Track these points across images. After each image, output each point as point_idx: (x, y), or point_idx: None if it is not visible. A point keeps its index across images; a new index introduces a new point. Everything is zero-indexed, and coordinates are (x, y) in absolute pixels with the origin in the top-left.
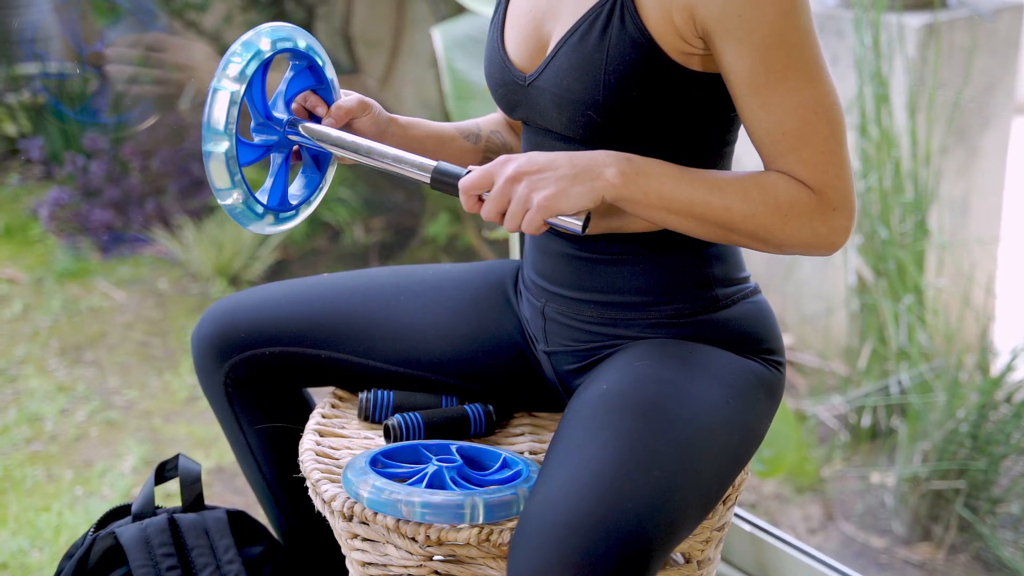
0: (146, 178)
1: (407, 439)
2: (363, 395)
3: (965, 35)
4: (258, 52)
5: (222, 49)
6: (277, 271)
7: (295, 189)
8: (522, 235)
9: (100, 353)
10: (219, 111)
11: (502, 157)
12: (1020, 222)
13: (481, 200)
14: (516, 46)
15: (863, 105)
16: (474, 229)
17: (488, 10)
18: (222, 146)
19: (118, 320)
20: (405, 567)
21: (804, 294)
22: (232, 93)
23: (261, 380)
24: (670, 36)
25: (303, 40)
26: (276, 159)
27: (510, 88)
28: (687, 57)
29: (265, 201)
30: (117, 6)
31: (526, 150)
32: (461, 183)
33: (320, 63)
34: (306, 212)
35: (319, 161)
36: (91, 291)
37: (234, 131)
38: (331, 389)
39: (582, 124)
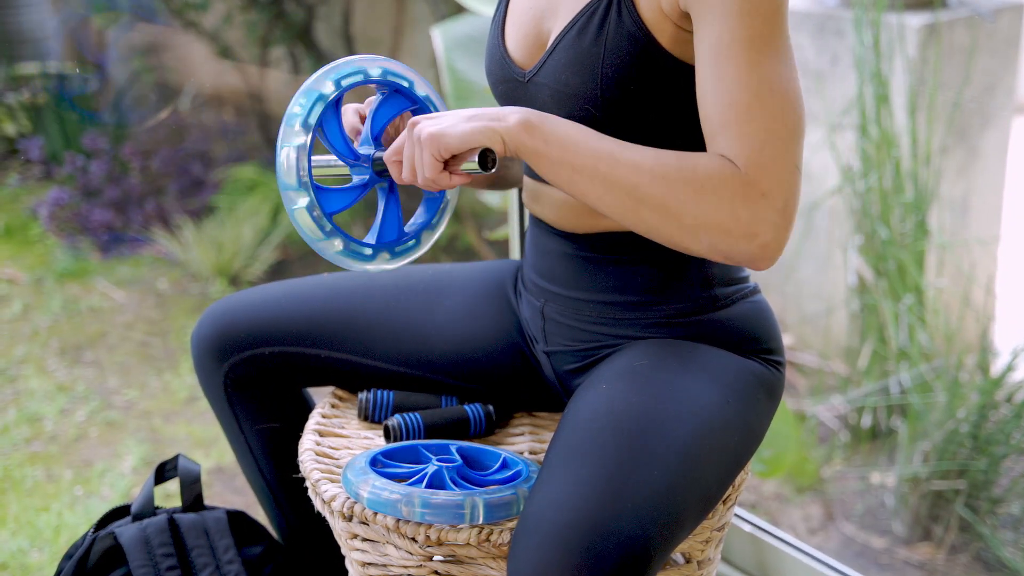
0: (146, 178)
1: (407, 439)
2: (363, 395)
3: (965, 35)
4: (320, 96)
5: (222, 49)
6: (277, 271)
7: (417, 216)
8: (522, 235)
9: (100, 353)
10: (287, 168)
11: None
12: (1020, 222)
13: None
14: (516, 43)
15: (863, 105)
16: (474, 229)
17: (488, 10)
18: (302, 201)
19: (118, 320)
20: (405, 567)
21: (804, 294)
22: (297, 148)
23: (261, 380)
24: (664, 24)
25: (376, 67)
26: (381, 194)
27: (510, 85)
28: (683, 48)
29: (374, 240)
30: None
31: None
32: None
33: (406, 84)
34: (431, 238)
35: None
36: (91, 291)
37: (309, 182)
38: (331, 389)
39: (581, 119)
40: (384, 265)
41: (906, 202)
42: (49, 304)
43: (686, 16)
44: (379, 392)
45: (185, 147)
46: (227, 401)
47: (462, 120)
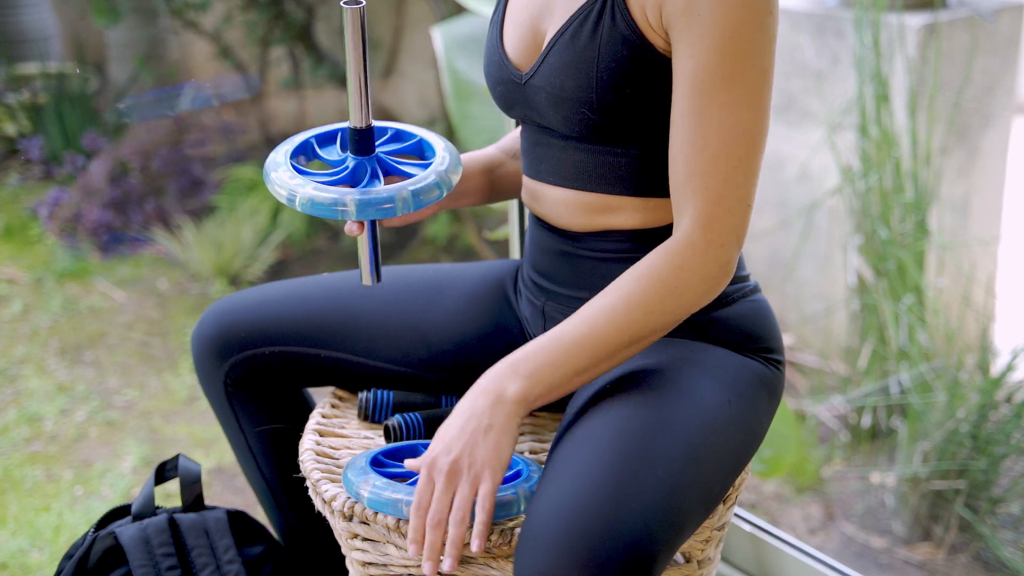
0: (146, 178)
1: (407, 439)
2: (363, 395)
3: (965, 35)
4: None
5: (222, 49)
6: (277, 271)
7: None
8: (522, 235)
9: (100, 353)
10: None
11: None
12: (1020, 222)
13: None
14: (514, 44)
15: (863, 105)
16: (474, 229)
17: (488, 10)
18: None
19: (118, 320)
20: (405, 567)
21: (804, 294)
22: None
23: (261, 379)
24: (653, 32)
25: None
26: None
27: (507, 87)
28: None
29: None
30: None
31: (527, 149)
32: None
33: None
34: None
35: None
36: (91, 291)
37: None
38: (331, 389)
39: (577, 122)
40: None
41: (906, 202)
42: (49, 304)
43: (668, 35)
44: (379, 392)
45: (185, 147)
46: (227, 401)
47: (483, 432)
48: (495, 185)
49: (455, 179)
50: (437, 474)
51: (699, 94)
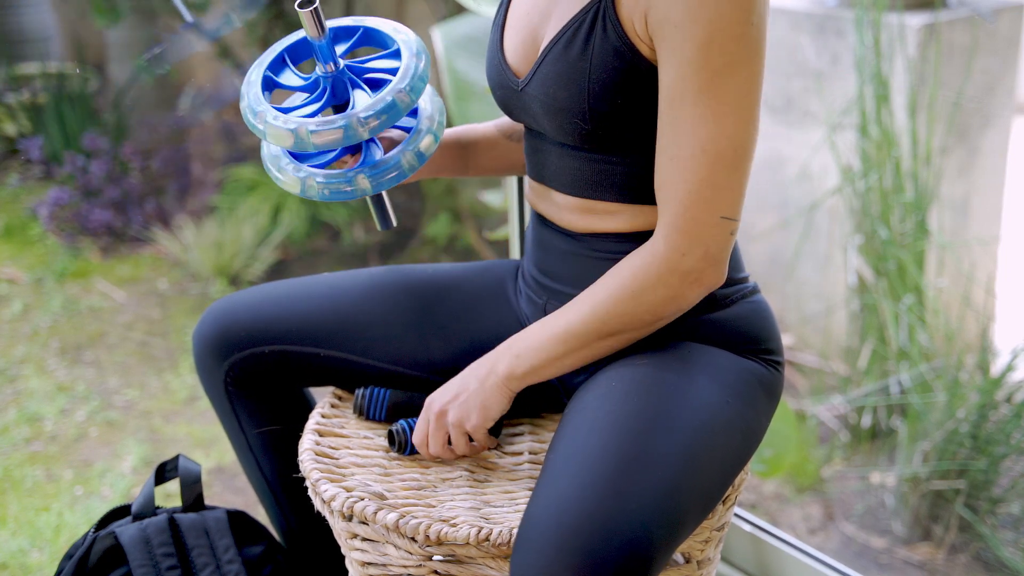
0: (146, 178)
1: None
2: (359, 391)
3: (965, 35)
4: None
5: (222, 49)
6: (277, 271)
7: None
8: (522, 235)
9: (100, 353)
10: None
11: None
12: (1020, 222)
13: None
14: (513, 49)
15: (863, 105)
16: (474, 229)
17: (488, 10)
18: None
19: (118, 320)
20: (405, 567)
21: (804, 294)
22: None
23: (261, 379)
24: (641, 42)
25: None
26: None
27: (506, 92)
28: None
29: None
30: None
31: (528, 153)
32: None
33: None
34: (415, 160)
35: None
36: (91, 291)
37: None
38: (331, 389)
39: (571, 131)
40: (364, 184)
41: (906, 202)
42: (49, 304)
43: (652, 42)
44: (375, 389)
45: (185, 147)
46: (227, 400)
47: (478, 393)
48: (473, 160)
49: (441, 118)
50: (431, 414)
51: (674, 105)
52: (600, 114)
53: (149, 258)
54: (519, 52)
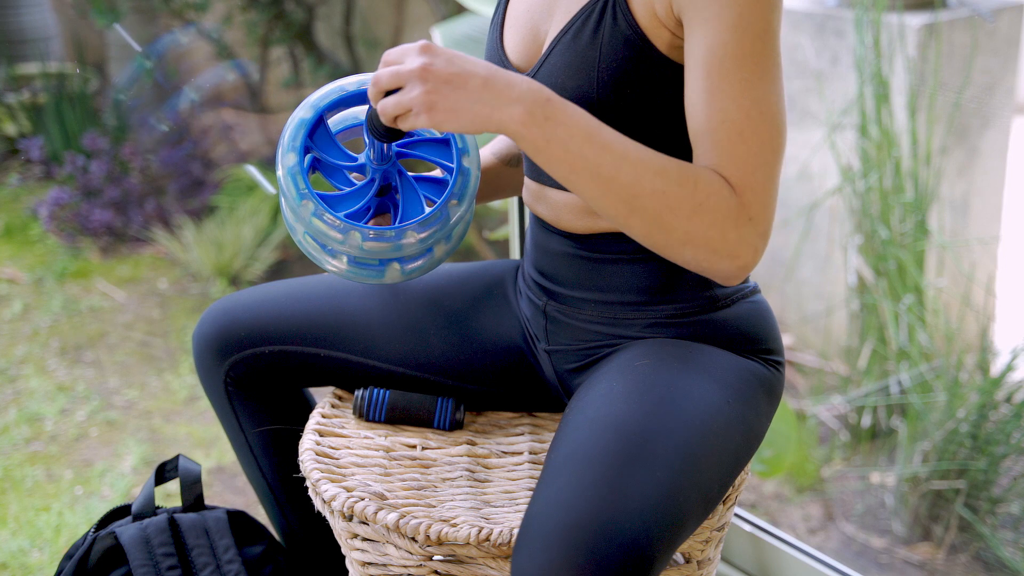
0: (146, 178)
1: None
2: (358, 392)
3: (965, 35)
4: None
5: (222, 49)
6: (277, 271)
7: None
8: (522, 235)
9: (100, 353)
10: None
11: (422, 43)
12: (1020, 222)
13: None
14: (514, 46)
15: (863, 105)
16: (474, 229)
17: (488, 10)
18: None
19: (118, 320)
20: (405, 567)
21: (804, 294)
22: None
23: (261, 379)
24: (658, 29)
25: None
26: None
27: None
28: (679, 52)
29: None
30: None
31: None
32: (374, 77)
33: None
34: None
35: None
36: (91, 291)
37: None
38: (331, 389)
39: None
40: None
41: (906, 202)
42: (49, 304)
43: (680, 23)
44: (375, 390)
45: (185, 147)
46: (228, 400)
47: (472, 101)
48: (487, 191)
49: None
50: (404, 68)
51: (712, 74)
52: (609, 104)
53: (149, 258)
54: (521, 48)
